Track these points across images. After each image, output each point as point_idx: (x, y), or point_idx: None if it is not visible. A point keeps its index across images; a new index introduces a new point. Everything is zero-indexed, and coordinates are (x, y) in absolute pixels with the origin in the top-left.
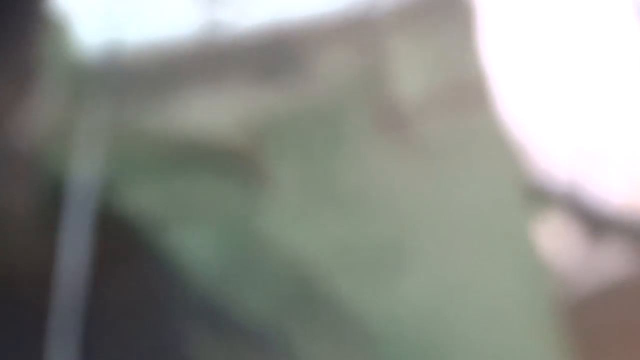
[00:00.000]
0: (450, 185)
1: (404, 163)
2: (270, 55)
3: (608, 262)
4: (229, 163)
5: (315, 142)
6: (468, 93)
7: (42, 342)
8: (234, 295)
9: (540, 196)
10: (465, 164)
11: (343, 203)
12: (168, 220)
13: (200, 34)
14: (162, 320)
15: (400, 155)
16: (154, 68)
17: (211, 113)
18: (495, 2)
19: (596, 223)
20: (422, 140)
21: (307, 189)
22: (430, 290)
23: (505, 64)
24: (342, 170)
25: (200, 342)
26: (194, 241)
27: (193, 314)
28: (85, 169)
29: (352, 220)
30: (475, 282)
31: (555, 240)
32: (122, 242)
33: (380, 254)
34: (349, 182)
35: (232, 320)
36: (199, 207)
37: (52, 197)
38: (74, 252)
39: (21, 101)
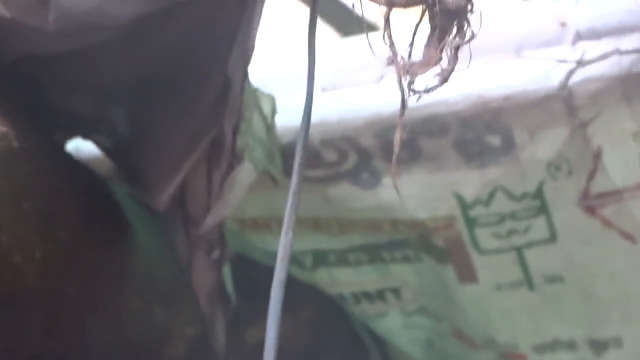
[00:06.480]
0: None
1: (617, 244)
2: (479, 135)
3: None
4: (443, 250)
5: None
6: None
7: None
8: None
9: None
10: None
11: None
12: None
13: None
14: None
15: (610, 235)
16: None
17: (422, 195)
18: None
19: None
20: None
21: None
22: None
23: None
24: (554, 254)
25: None
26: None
27: None
28: (287, 247)
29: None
30: None
31: None
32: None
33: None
34: (566, 264)
35: None
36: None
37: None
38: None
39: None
